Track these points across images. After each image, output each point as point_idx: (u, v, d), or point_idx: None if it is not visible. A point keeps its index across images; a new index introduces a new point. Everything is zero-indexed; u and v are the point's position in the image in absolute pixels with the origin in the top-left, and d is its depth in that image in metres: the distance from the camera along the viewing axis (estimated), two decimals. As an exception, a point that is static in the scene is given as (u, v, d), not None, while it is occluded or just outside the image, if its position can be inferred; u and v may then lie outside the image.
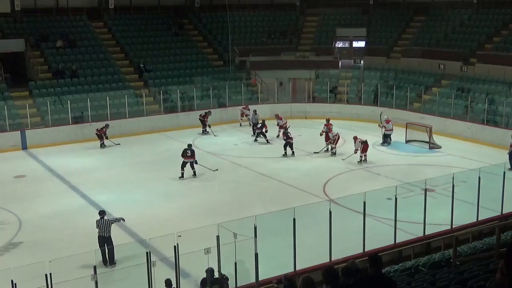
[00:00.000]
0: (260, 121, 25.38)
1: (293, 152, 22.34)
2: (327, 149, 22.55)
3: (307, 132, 26.82)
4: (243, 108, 28.36)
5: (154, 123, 27.57)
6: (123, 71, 30.52)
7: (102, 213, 13.06)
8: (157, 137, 26.54)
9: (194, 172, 19.31)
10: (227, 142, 25.29)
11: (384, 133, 23.82)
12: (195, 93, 29.14)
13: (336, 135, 22.33)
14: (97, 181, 19.55)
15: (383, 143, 23.83)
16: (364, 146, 21.04)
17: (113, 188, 18.76)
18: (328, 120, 24.07)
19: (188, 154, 19.30)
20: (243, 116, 28.23)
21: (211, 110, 27.56)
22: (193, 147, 19.68)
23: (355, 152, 21.10)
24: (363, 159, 21.01)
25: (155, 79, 30.46)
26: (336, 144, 22.35)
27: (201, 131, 26.77)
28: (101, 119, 26.40)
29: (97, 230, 12.89)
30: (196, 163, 19.27)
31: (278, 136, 25.30)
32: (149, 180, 19.51)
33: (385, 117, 24.31)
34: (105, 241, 12.77)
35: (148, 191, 18.30)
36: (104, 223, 12.79)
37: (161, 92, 28.54)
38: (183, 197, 17.77)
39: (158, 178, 19.73)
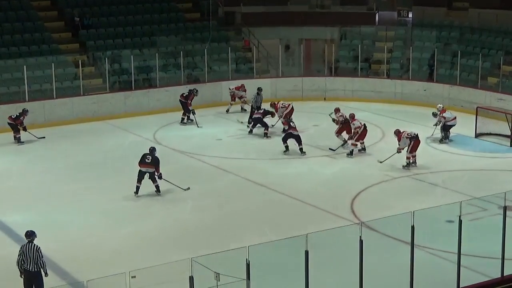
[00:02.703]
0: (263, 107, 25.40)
1: (301, 148, 22.42)
2: (345, 144, 22.74)
3: (326, 121, 26.84)
4: (236, 88, 28.17)
5: (96, 106, 27.60)
6: (49, 27, 30.48)
7: (30, 235, 12.98)
8: (101, 127, 26.49)
9: (157, 188, 19.04)
10: (206, 135, 25.31)
11: (445, 124, 23.86)
12: (157, 61, 29.15)
13: (360, 127, 22.29)
14: (9, 194, 19.46)
15: (443, 139, 23.85)
16: (414, 143, 21.10)
17: (34, 204, 18.71)
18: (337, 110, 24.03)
19: (147, 161, 18.90)
20: (234, 100, 28.11)
21: (196, 88, 27.37)
22: (157, 153, 19.13)
23: (399, 152, 21.17)
24: (411, 161, 21.08)
25: (97, 40, 30.45)
26: (358, 140, 22.25)
27: (181, 119, 26.71)
28: (14, 100, 26.35)
29: (19, 260, 12.82)
30: (161, 177, 19.03)
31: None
32: (88, 193, 19.46)
33: (440, 105, 24.32)
34: (31, 278, 12.74)
35: (86, 209, 18.27)
36: (31, 250, 12.73)
37: (106, 59, 28.54)
38: (139, 218, 17.76)
39: (102, 190, 19.69)
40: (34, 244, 12.78)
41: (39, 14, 30.76)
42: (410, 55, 30.29)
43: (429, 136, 24.06)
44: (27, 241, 12.86)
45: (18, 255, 12.81)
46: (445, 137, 23.88)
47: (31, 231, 13.04)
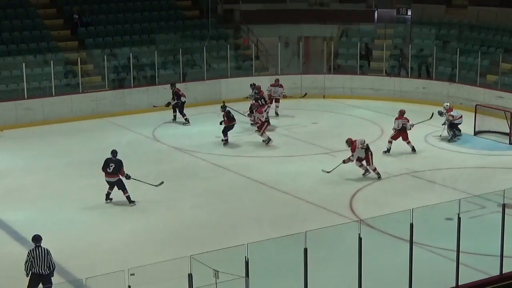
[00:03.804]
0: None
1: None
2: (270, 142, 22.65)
3: (326, 119, 26.89)
4: (271, 85, 27.02)
5: (95, 104, 27.60)
6: (48, 25, 30.47)
7: (38, 239, 12.86)
8: (100, 125, 26.50)
9: (128, 198, 18.04)
10: (205, 133, 25.28)
11: (451, 123, 23.74)
12: (156, 59, 29.15)
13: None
14: (8, 192, 19.46)
15: (452, 138, 23.64)
16: (367, 156, 20.00)
17: (32, 202, 18.72)
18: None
19: (109, 171, 17.88)
20: (271, 101, 26.65)
21: (171, 82, 27.18)
22: (118, 156, 18.10)
23: (345, 162, 20.07)
24: (367, 172, 20.19)
25: (96, 37, 30.44)
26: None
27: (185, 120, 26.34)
28: (13, 97, 26.37)
29: (28, 265, 12.70)
30: (128, 178, 18.03)
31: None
32: (87, 190, 19.44)
33: (447, 104, 24.19)
34: (43, 281, 12.59)
35: (85, 207, 18.28)
36: (42, 254, 12.65)
37: (105, 57, 28.53)
38: (138, 216, 17.77)
39: (101, 187, 19.67)
40: (43, 248, 12.74)
41: (38, 12, 30.75)
42: (409, 53, 30.30)
43: (439, 136, 23.94)
44: (34, 245, 12.75)
45: (28, 260, 12.68)
46: (454, 136, 23.71)
47: (38, 235, 12.91)
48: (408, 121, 22.28)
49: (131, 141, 24.02)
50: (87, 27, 30.63)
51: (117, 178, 17.99)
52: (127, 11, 32.10)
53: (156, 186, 18.73)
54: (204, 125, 26.23)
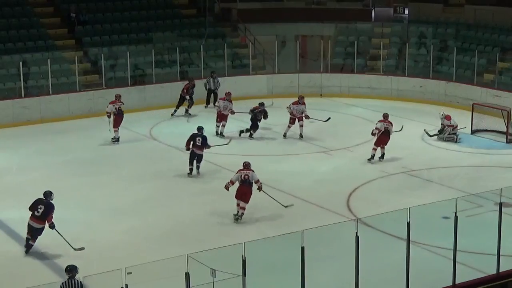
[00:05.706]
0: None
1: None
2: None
3: (323, 118, 26.88)
4: (294, 103, 24.37)
5: (92, 102, 27.58)
6: (45, 23, 30.44)
7: (71, 270, 11.61)
8: (97, 123, 26.45)
9: (30, 246, 15.10)
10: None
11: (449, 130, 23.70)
12: (153, 58, 29.13)
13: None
14: (4, 190, 19.51)
15: (456, 139, 23.49)
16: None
17: (29, 199, 18.54)
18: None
19: (37, 214, 14.99)
20: (294, 122, 24.25)
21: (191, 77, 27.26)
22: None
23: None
24: None
25: (93, 36, 30.41)
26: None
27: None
28: (10, 96, 26.36)
29: None
30: (52, 227, 15.16)
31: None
32: (84, 188, 19.52)
33: (442, 113, 24.15)
34: None
35: (82, 205, 18.29)
36: (75, 287, 11.52)
37: (102, 55, 28.52)
38: (135, 214, 17.77)
39: (97, 185, 19.72)
40: (77, 280, 11.54)
41: (35, 10, 30.73)
42: (406, 51, 30.34)
43: (431, 136, 23.95)
44: (67, 277, 11.62)
45: None
46: (456, 137, 23.53)
47: (72, 265, 11.76)
48: (392, 125, 21.65)
49: (128, 140, 24.00)
50: (84, 25, 30.61)
51: (42, 225, 15.09)
52: (124, 9, 32.09)
53: (75, 249, 15.34)
54: (202, 124, 26.14)
